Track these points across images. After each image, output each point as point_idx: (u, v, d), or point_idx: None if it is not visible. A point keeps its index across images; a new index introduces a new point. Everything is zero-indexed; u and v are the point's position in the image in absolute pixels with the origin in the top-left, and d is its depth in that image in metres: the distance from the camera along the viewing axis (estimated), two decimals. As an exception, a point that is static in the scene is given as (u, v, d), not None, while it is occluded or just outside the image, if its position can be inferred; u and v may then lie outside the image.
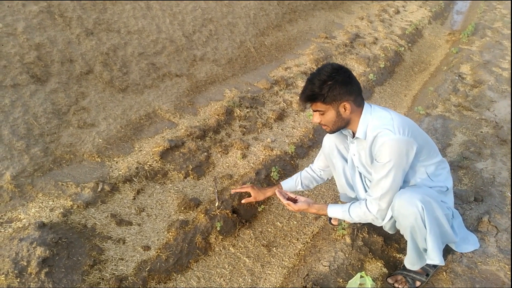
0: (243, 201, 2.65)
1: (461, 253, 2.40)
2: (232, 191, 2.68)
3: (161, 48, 4.12)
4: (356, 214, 2.15)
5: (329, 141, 2.41)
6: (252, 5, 5.71)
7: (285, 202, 2.28)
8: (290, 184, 2.62)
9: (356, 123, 2.09)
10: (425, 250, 2.08)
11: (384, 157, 1.95)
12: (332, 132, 2.17)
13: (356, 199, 2.56)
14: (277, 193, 2.34)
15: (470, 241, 2.43)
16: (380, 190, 2.03)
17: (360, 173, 2.36)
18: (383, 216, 2.11)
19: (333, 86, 1.97)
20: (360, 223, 2.65)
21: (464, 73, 5.62)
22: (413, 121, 2.26)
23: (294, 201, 2.31)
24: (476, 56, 6.23)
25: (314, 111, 2.10)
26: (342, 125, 2.12)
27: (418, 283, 2.26)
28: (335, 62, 2.21)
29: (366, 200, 2.13)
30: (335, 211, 2.24)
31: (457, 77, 5.38)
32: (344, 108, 2.03)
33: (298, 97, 2.16)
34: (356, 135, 2.11)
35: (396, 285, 2.27)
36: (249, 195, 2.61)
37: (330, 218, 2.87)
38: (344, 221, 2.70)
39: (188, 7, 4.71)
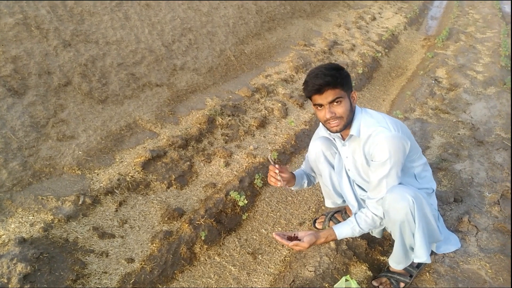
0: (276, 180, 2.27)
1: (444, 253, 2.44)
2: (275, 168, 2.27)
3: (140, 58, 4.10)
4: (365, 223, 2.11)
5: (316, 147, 2.38)
6: (231, 14, 5.74)
7: (290, 244, 2.06)
8: (299, 174, 2.49)
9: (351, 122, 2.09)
10: (412, 248, 2.11)
11: (383, 155, 1.94)
12: (342, 128, 2.04)
13: (341, 204, 2.58)
14: (278, 238, 2.08)
15: (452, 241, 2.48)
16: (384, 190, 2.01)
17: (348, 177, 2.36)
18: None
19: (347, 74, 2.01)
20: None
21: (440, 77, 5.75)
22: None
23: (294, 237, 2.11)
24: (451, 60, 6.39)
25: (330, 101, 1.97)
26: (350, 119, 2.05)
27: (402, 285, 2.29)
28: None
29: (367, 206, 2.12)
30: (344, 233, 2.14)
31: (433, 81, 5.51)
32: (353, 97, 2.05)
33: (310, 88, 1.99)
34: (350, 133, 2.08)
35: (380, 287, 2.29)
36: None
37: (314, 222, 2.88)
38: (329, 225, 2.72)
39: (166, 17, 4.71)
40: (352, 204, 2.35)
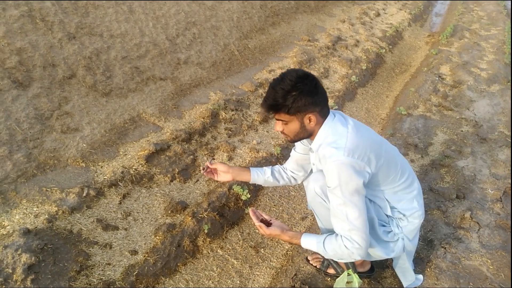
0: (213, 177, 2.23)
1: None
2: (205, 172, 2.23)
3: (144, 52, 4.10)
4: (330, 245, 1.86)
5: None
6: (235, 8, 5.73)
7: (257, 224, 1.97)
8: (258, 170, 2.31)
9: (316, 133, 1.92)
10: None
11: (332, 181, 1.77)
12: (292, 141, 1.99)
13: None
14: (251, 213, 2.00)
15: (408, 277, 2.25)
16: (344, 219, 1.79)
17: None
18: (361, 253, 1.81)
19: (298, 97, 1.78)
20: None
21: (443, 73, 5.74)
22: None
23: (268, 223, 2.00)
24: (455, 57, 6.37)
25: (277, 119, 1.90)
26: (304, 136, 1.94)
27: (331, 271, 2.33)
28: (301, 69, 1.99)
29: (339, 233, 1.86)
30: (309, 242, 1.94)
31: (437, 78, 5.50)
32: (309, 120, 1.85)
33: (260, 105, 1.96)
34: (311, 146, 1.95)
35: (311, 261, 2.40)
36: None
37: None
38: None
39: (171, 10, 4.71)
40: None
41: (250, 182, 2.30)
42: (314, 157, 2.04)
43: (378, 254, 2.00)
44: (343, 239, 1.81)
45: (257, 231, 2.89)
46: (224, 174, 2.21)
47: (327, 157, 1.78)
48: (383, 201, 2.02)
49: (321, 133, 1.88)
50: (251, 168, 2.29)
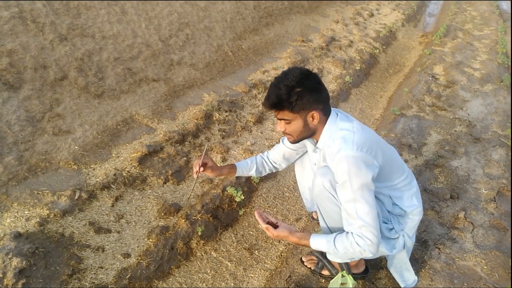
0: (199, 170, 2.16)
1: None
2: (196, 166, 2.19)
3: (137, 53, 4.08)
4: (341, 244, 1.81)
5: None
6: (228, 9, 5.72)
7: (264, 226, 1.95)
8: (244, 166, 2.36)
9: (320, 132, 1.92)
10: None
11: (342, 176, 1.75)
12: (295, 142, 1.97)
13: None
14: (257, 215, 1.98)
15: (405, 277, 2.25)
16: (354, 216, 1.76)
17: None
18: (372, 249, 1.77)
19: (302, 94, 1.78)
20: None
21: (437, 73, 5.75)
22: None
23: (275, 226, 1.98)
24: (448, 57, 6.39)
25: (279, 119, 1.89)
26: (307, 135, 1.94)
27: (325, 272, 2.32)
28: (303, 67, 1.99)
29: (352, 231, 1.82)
30: (318, 242, 1.89)
31: (430, 78, 5.51)
32: (312, 117, 1.85)
33: (262, 103, 1.95)
34: (317, 145, 1.96)
35: (305, 263, 2.40)
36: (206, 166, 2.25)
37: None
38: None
39: (164, 11, 4.68)
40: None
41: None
42: (318, 157, 2.03)
43: (382, 250, 2.01)
44: (354, 237, 1.77)
45: (251, 232, 2.88)
46: (208, 173, 2.26)
47: (335, 152, 1.78)
48: (386, 198, 2.03)
49: (326, 131, 1.90)
50: (237, 167, 2.34)
